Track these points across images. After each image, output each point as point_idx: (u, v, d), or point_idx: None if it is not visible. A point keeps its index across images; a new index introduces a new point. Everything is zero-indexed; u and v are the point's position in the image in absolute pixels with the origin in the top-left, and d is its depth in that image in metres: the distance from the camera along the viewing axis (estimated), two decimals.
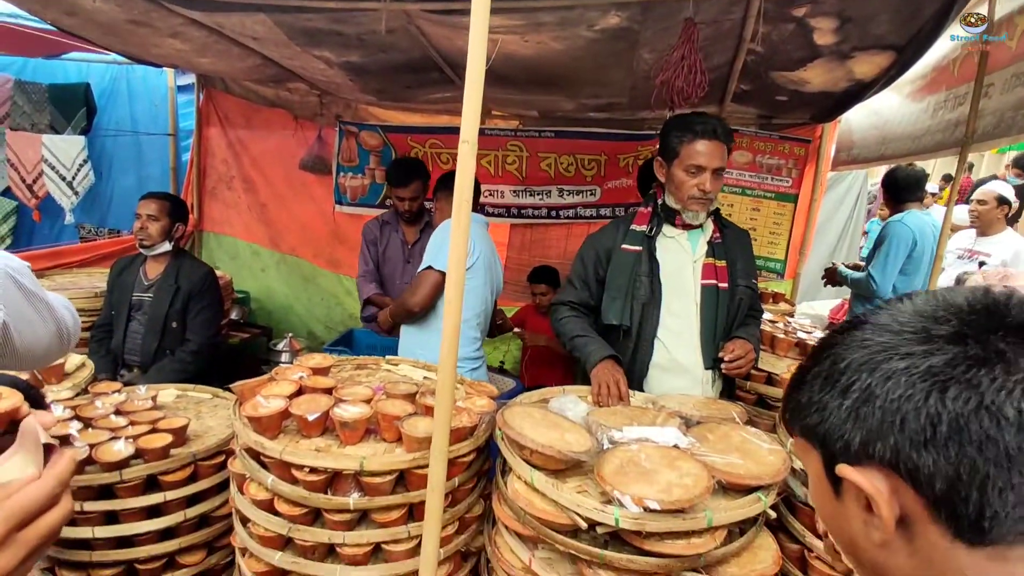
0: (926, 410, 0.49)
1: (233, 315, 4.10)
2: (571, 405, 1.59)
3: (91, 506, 1.67)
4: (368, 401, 1.55)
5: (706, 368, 2.01)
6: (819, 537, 1.45)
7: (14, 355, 1.02)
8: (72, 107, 4.35)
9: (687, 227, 2.02)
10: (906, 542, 0.52)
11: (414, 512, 1.47)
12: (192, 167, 4.41)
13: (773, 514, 1.38)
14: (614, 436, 1.43)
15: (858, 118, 3.73)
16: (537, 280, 3.52)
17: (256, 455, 1.47)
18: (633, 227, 2.07)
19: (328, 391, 1.59)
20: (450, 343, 1.18)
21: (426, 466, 1.31)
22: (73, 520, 1.69)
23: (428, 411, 1.50)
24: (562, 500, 1.26)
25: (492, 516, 1.52)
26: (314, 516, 1.46)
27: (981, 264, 3.61)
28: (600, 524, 1.23)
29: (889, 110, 3.38)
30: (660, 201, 2.05)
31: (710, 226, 2.05)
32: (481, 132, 4.68)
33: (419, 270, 2.47)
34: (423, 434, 1.38)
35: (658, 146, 2.04)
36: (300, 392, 1.59)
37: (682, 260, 2.02)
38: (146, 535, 1.73)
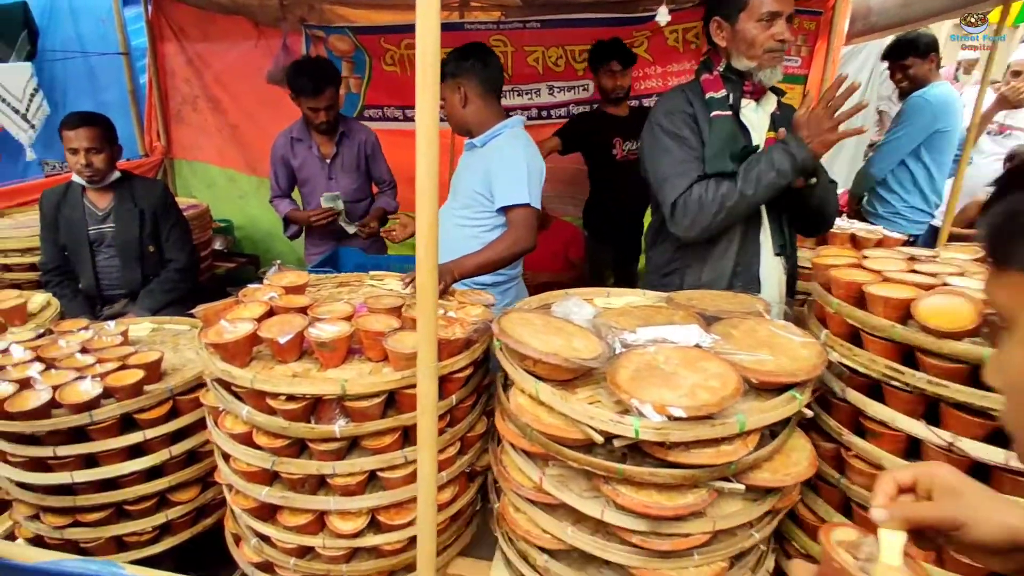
0: None
1: (217, 245, 3.90)
2: (576, 308, 1.41)
3: (64, 450, 1.55)
4: (348, 319, 1.38)
5: (775, 254, 1.84)
6: (860, 435, 1.32)
7: None
8: (11, 29, 3.94)
9: (754, 94, 1.77)
10: None
11: (409, 435, 1.33)
12: (152, 89, 4.07)
13: (810, 413, 1.23)
14: (627, 338, 1.27)
15: None
16: None
17: (227, 385, 1.31)
18: (711, 95, 1.76)
19: (303, 310, 1.42)
20: (428, 240, 0.98)
21: (416, 385, 1.15)
22: (49, 466, 1.58)
23: (416, 325, 1.33)
24: (572, 413, 1.11)
25: (496, 433, 1.38)
26: (300, 447, 1.32)
27: None
28: (618, 437, 1.09)
29: None
30: (722, 67, 1.76)
31: (772, 98, 1.83)
32: (459, 27, 4.24)
33: (507, 204, 1.97)
34: (410, 350, 1.21)
35: (712, 3, 1.75)
36: (271, 314, 1.41)
37: (756, 133, 1.80)
38: (131, 476, 1.62)
